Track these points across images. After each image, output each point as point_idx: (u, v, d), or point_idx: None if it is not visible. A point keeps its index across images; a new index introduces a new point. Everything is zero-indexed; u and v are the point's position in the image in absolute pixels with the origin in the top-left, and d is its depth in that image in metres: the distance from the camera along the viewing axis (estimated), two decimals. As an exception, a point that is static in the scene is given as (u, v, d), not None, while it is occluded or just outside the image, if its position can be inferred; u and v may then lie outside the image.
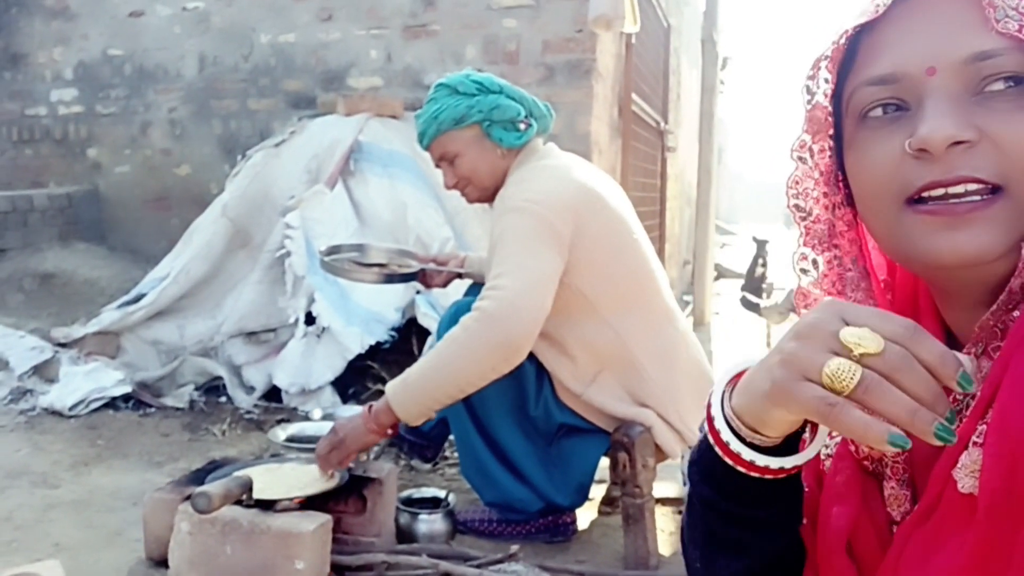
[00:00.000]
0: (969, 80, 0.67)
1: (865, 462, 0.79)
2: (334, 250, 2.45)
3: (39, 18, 5.14)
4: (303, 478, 1.93)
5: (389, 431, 1.91)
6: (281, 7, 4.54)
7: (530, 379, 2.10)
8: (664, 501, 2.45)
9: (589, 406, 2.07)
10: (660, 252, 5.88)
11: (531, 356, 2.08)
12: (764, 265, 8.28)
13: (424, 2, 4.28)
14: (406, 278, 2.38)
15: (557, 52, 4.08)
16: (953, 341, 0.76)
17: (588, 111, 4.04)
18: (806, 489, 0.81)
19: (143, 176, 4.96)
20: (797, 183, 0.79)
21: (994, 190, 0.66)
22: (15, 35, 5.20)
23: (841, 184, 0.79)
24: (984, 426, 0.66)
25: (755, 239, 8.55)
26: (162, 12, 4.82)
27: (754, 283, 8.28)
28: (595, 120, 4.08)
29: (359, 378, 3.36)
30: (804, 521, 0.81)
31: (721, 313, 7.70)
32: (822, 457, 0.82)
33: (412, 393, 1.87)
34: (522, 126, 2.05)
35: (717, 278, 9.22)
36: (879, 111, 0.71)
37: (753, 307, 6.25)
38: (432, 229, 3.51)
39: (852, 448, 0.80)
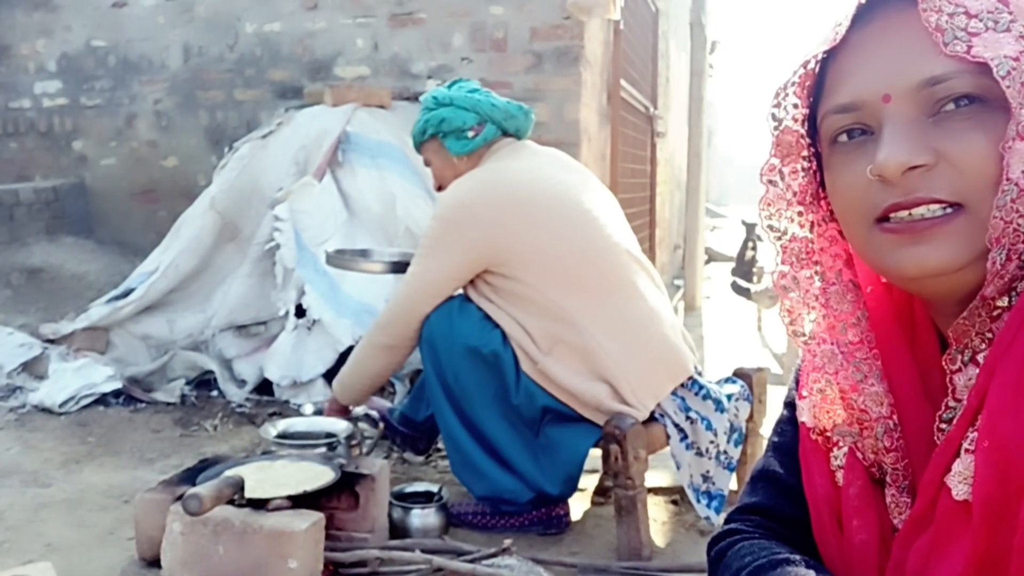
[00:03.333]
0: (924, 103, 0.69)
1: (872, 469, 0.81)
2: (340, 254, 2.75)
3: (21, 9, 5.07)
4: (295, 476, 1.93)
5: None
6: (266, -4, 4.50)
7: (508, 366, 2.13)
8: (656, 491, 2.46)
9: (546, 377, 2.11)
10: (650, 237, 5.88)
11: (507, 343, 2.11)
12: (754, 249, 8.29)
13: (410, -10, 4.24)
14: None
15: (545, 39, 4.05)
16: (946, 347, 0.76)
17: (577, 98, 4.02)
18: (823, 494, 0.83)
19: (129, 168, 4.92)
20: (769, 205, 0.81)
21: (956, 206, 0.68)
22: (-3, 27, 5.14)
23: (823, 202, 0.80)
24: (974, 433, 0.67)
25: (744, 223, 8.55)
26: (145, 2, 4.76)
27: (744, 267, 8.30)
28: (584, 107, 4.07)
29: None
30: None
31: (712, 297, 7.72)
32: (833, 468, 0.83)
33: (343, 386, 2.39)
34: (471, 134, 2.26)
35: (708, 262, 9.24)
36: (845, 137, 0.74)
37: (743, 292, 6.26)
38: (421, 220, 3.50)
39: (859, 455, 0.81)
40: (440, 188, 2.37)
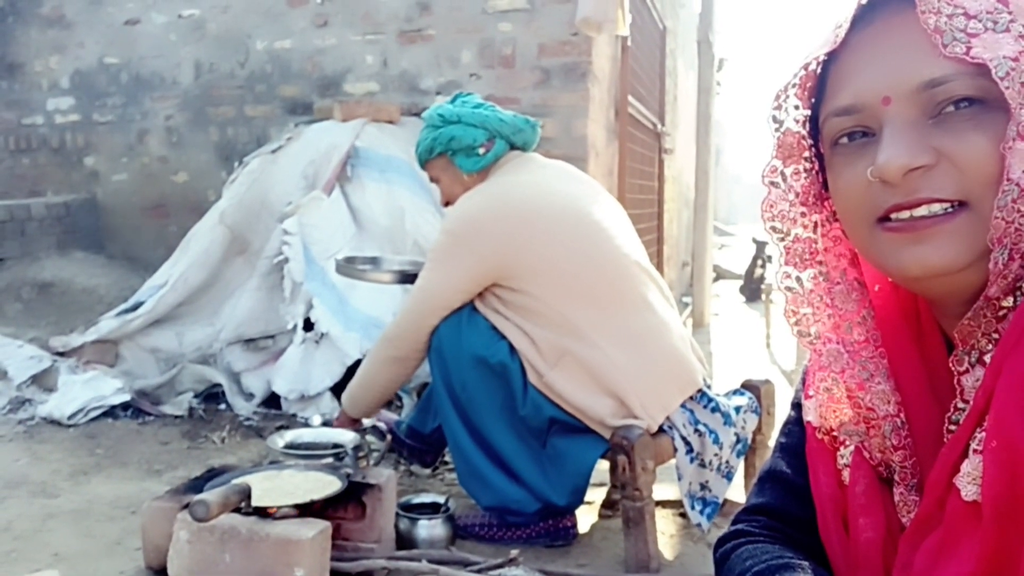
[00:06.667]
0: (925, 105, 0.69)
1: (879, 468, 0.80)
2: (350, 261, 2.75)
3: (35, 27, 5.14)
4: (302, 485, 1.93)
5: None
6: (277, 13, 4.54)
7: (516, 377, 2.13)
8: (664, 504, 2.45)
9: (552, 390, 2.11)
10: (658, 254, 5.88)
11: (514, 354, 2.11)
12: (763, 267, 8.28)
13: (419, 7, 4.28)
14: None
15: (553, 55, 4.08)
16: (952, 347, 0.76)
17: (584, 114, 4.04)
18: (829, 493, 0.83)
19: (140, 184, 4.96)
20: (772, 206, 0.82)
21: (959, 204, 0.68)
22: (11, 44, 5.20)
23: (827, 202, 0.81)
24: (982, 433, 0.67)
25: (755, 240, 8.55)
26: (157, 20, 4.82)
27: (752, 284, 8.27)
28: (591, 123, 4.08)
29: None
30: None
31: (721, 314, 7.69)
32: (839, 467, 0.83)
33: (352, 399, 2.40)
34: (482, 151, 2.25)
35: (716, 279, 9.22)
36: (846, 139, 0.74)
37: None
38: (429, 234, 3.51)
39: (866, 455, 0.80)
40: (448, 204, 2.36)
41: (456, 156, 2.27)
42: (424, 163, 2.36)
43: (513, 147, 2.31)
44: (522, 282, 2.12)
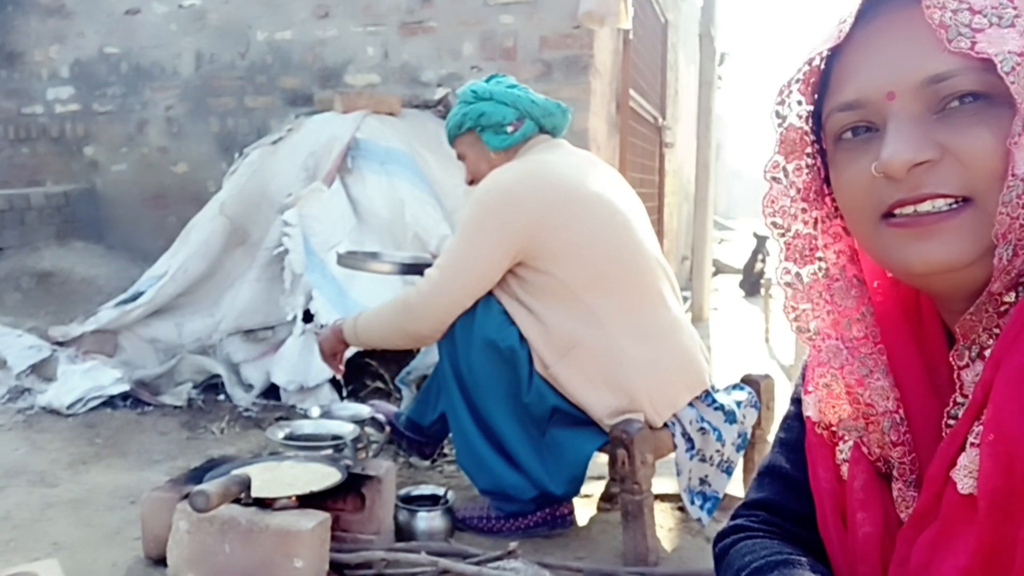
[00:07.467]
0: (929, 100, 0.69)
1: (878, 463, 0.80)
2: (351, 255, 2.73)
3: (35, 16, 5.12)
4: (302, 476, 1.93)
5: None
6: (278, 4, 4.53)
7: (523, 364, 2.12)
8: (663, 497, 2.45)
9: (556, 382, 2.10)
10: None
11: (524, 340, 2.10)
12: (763, 261, 8.29)
13: (421, -2, 4.27)
14: (422, 269, 2.44)
15: (554, 48, 4.07)
16: (954, 342, 0.76)
17: (586, 107, 4.03)
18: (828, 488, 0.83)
19: (140, 174, 4.95)
20: (773, 202, 0.81)
21: (963, 200, 0.68)
22: (11, 33, 5.19)
23: (828, 198, 0.81)
24: (980, 427, 0.67)
25: (756, 235, 8.55)
26: (158, 10, 4.81)
27: (752, 279, 8.28)
28: (593, 116, 4.08)
29: (357, 375, 3.36)
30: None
31: (720, 309, 7.69)
32: (838, 462, 0.83)
33: (356, 330, 2.29)
34: (510, 129, 2.24)
35: (715, 274, 9.21)
36: (850, 134, 0.74)
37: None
38: (430, 226, 3.51)
39: (865, 450, 0.80)
40: (472, 182, 2.32)
41: (484, 132, 2.25)
42: (453, 139, 2.33)
43: (542, 130, 2.30)
44: (547, 262, 2.09)
